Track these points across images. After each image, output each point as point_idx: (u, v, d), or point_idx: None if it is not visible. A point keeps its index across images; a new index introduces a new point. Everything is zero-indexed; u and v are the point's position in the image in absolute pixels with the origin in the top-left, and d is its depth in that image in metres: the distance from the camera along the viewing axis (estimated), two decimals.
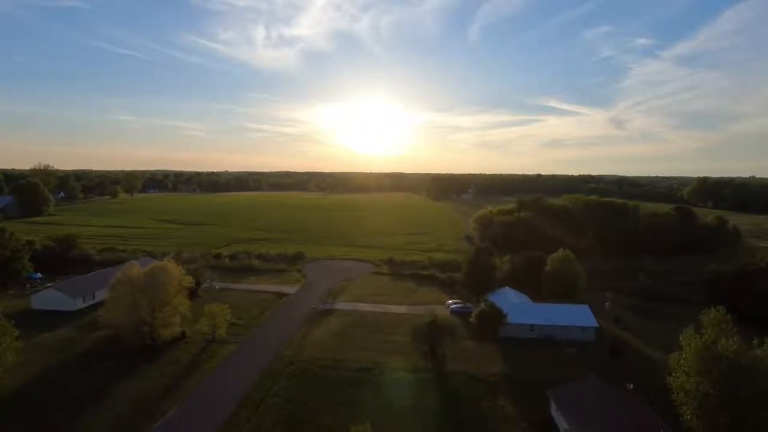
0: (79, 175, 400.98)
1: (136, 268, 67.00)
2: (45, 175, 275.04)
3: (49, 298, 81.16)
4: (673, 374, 48.57)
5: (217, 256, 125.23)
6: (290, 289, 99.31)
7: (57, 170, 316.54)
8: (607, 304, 61.83)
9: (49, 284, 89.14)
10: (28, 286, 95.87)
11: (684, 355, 46.80)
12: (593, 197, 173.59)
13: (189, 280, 72.34)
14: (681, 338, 48.30)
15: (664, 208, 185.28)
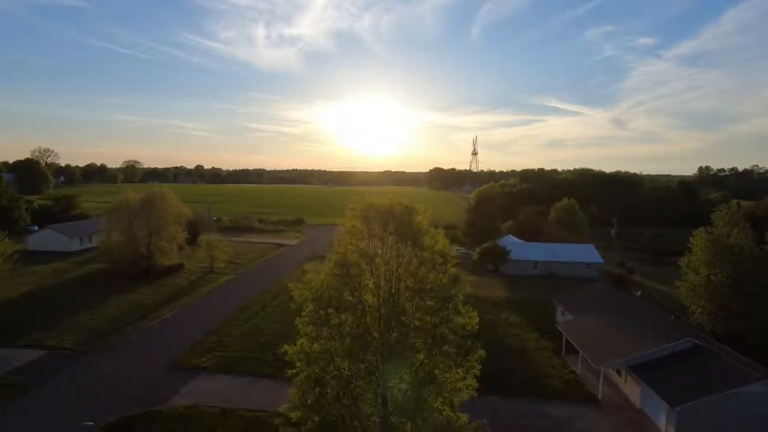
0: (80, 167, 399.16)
1: (132, 195, 65.91)
2: (45, 158, 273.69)
3: (45, 238, 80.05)
4: (682, 278, 47.47)
5: (218, 220, 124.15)
6: (290, 242, 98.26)
7: (57, 158, 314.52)
8: (613, 231, 60.66)
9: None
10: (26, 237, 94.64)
11: (694, 252, 45.64)
12: (598, 171, 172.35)
13: (188, 212, 71.27)
14: (691, 240, 47.14)
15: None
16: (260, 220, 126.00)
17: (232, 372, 35.68)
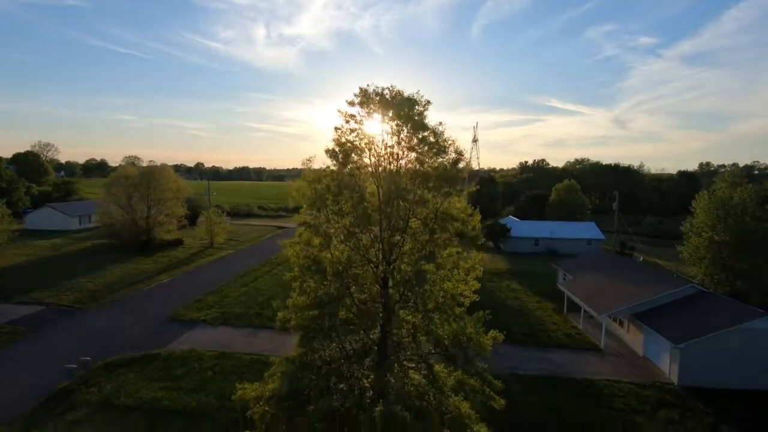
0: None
1: (132, 168, 65.73)
2: (45, 153, 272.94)
3: (44, 217, 79.67)
4: (684, 242, 47.26)
5: (217, 206, 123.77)
6: (291, 225, 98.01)
7: (58, 153, 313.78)
8: (615, 204, 60.32)
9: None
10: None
11: (697, 215, 45.35)
12: (597, 162, 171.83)
13: (188, 188, 71.05)
14: (692, 204, 46.86)
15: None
16: (260, 207, 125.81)
17: (232, 324, 35.41)
